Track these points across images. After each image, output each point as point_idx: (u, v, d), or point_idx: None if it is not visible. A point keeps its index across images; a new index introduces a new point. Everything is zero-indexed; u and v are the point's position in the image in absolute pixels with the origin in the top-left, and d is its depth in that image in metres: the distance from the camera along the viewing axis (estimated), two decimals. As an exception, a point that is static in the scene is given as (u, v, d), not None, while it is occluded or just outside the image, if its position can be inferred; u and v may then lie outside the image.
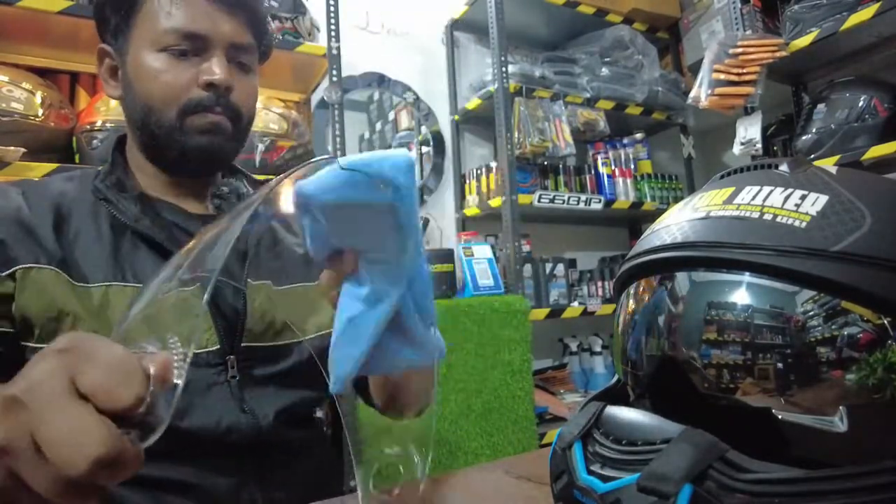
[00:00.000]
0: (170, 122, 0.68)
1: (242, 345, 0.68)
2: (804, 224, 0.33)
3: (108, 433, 0.28)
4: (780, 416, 0.33)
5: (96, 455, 0.27)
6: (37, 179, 0.74)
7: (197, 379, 0.64)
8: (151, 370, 0.30)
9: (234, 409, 0.65)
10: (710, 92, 1.96)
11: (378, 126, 2.34)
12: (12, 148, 1.23)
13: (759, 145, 1.97)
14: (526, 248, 2.13)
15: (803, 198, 0.35)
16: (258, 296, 0.71)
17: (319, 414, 0.80)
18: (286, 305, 0.74)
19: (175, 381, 0.31)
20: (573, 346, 2.38)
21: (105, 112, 1.41)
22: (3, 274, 0.59)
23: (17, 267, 0.60)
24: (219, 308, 0.68)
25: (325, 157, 0.38)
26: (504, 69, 2.06)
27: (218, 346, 0.66)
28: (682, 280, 0.38)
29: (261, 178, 0.94)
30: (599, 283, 2.32)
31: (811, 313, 0.33)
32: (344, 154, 1.77)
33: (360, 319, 0.39)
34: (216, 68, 0.68)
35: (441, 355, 0.49)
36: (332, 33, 1.74)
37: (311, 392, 0.73)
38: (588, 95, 2.25)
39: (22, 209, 0.64)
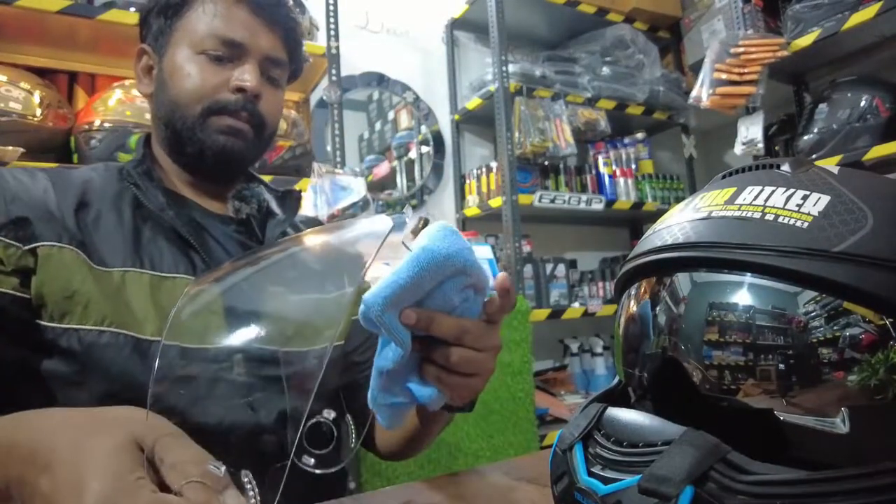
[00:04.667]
0: (193, 118, 0.72)
1: (252, 346, 0.68)
2: (806, 224, 0.33)
3: None
4: (781, 418, 0.33)
5: None
6: (64, 167, 0.78)
7: (204, 372, 0.64)
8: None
9: (238, 407, 0.65)
10: (711, 91, 1.96)
11: (377, 126, 2.34)
12: (11, 148, 1.23)
13: (761, 145, 1.97)
14: (526, 248, 2.13)
15: (805, 198, 0.34)
16: (273, 301, 0.71)
17: (324, 415, 0.80)
18: (299, 314, 0.74)
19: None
20: (574, 348, 2.37)
21: (103, 112, 1.41)
22: (25, 248, 0.60)
23: (39, 243, 0.61)
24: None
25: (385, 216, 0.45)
26: (504, 69, 2.05)
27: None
28: (683, 281, 0.38)
29: (266, 178, 0.94)
30: (600, 284, 2.32)
31: (813, 314, 0.32)
32: (343, 157, 1.77)
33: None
34: (248, 75, 0.72)
35: (436, 405, 0.52)
36: (332, 33, 1.74)
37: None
38: (589, 95, 2.25)
39: (48, 191, 0.66)
